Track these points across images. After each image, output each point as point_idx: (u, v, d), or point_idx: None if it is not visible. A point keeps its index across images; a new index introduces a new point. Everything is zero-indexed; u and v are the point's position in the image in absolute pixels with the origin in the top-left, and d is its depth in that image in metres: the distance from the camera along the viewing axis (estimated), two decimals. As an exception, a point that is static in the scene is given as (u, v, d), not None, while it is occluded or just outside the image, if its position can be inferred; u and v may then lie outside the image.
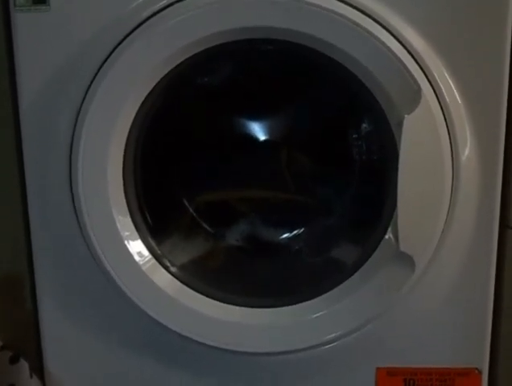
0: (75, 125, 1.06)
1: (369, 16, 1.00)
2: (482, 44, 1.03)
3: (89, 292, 1.15)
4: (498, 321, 1.15)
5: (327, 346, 1.13)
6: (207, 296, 1.13)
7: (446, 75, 1.03)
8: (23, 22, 1.03)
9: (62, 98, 1.06)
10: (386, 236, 1.08)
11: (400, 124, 1.00)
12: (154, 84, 1.05)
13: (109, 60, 1.03)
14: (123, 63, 1.02)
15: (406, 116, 1.00)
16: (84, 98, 1.05)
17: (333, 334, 1.10)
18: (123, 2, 1.03)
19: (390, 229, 1.07)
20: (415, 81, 1.00)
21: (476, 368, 1.16)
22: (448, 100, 1.02)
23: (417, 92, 1.00)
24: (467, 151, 1.05)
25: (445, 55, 1.02)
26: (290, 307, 1.13)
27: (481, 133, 1.06)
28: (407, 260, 1.05)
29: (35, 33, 1.04)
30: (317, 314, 1.10)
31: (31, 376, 1.17)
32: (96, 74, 1.04)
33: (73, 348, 1.19)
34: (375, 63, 1.00)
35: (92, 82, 1.04)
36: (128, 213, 1.10)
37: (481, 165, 1.06)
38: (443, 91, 1.02)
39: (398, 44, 1.00)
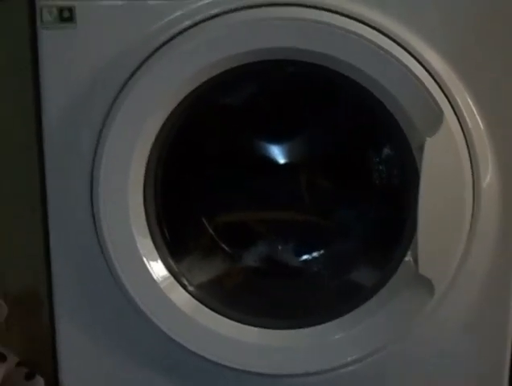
0: (97, 144, 1.06)
1: (392, 39, 1.01)
2: (506, 70, 1.03)
3: (107, 309, 1.15)
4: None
5: (343, 370, 1.12)
6: (224, 316, 1.13)
7: (468, 99, 1.03)
8: (50, 39, 1.04)
9: (85, 115, 1.07)
10: (406, 258, 1.07)
11: (421, 147, 1.00)
12: (176, 103, 1.05)
13: (132, 79, 1.04)
14: (147, 81, 1.03)
15: (427, 139, 1.00)
16: (107, 116, 1.05)
17: (350, 358, 1.10)
18: (149, 21, 1.03)
19: (409, 252, 1.07)
20: (437, 104, 1.00)
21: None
22: (469, 124, 1.02)
23: (439, 116, 1.00)
24: (488, 177, 1.05)
25: (468, 80, 1.02)
26: (307, 329, 1.12)
27: (503, 159, 1.05)
28: (426, 284, 1.04)
29: (61, 50, 1.05)
30: (334, 337, 1.10)
31: (47, 392, 1.17)
32: (119, 92, 1.04)
33: (89, 365, 1.19)
34: (397, 85, 1.00)
35: (115, 100, 1.05)
36: (148, 234, 1.10)
37: (502, 190, 1.06)
38: (465, 115, 1.02)
39: (421, 68, 1.01)
